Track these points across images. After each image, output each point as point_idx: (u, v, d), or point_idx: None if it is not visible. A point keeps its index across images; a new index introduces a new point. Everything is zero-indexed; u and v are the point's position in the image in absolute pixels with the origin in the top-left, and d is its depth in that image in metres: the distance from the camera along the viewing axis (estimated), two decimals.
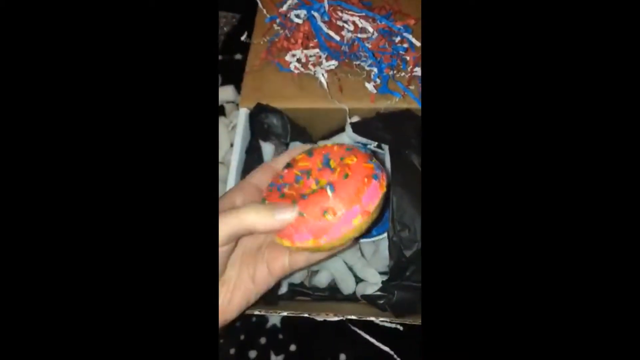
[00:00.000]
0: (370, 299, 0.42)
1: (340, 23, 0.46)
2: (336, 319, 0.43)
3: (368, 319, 0.43)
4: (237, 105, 0.49)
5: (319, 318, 0.43)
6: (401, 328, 0.46)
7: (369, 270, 0.45)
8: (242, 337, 0.48)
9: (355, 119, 0.46)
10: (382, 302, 0.40)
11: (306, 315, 0.42)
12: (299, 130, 0.48)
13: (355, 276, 0.45)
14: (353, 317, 0.42)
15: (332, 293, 0.45)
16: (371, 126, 0.44)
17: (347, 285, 0.44)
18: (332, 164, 0.32)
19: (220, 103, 0.55)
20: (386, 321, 0.45)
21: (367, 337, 0.46)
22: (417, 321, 0.42)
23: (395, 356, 0.45)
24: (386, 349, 0.45)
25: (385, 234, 0.41)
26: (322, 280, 0.45)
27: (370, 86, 0.45)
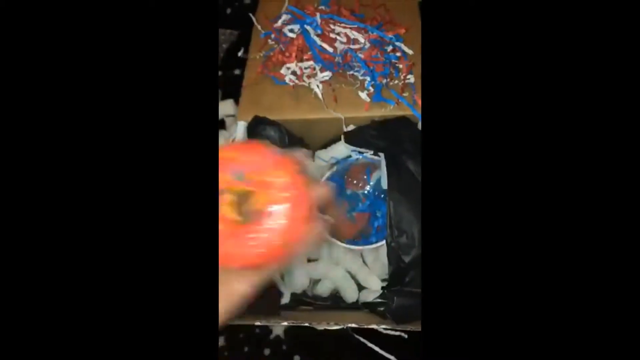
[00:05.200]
0: (371, 307, 0.42)
1: (332, 35, 0.47)
2: (337, 327, 0.43)
3: (370, 327, 0.42)
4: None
5: (320, 327, 0.43)
6: (405, 336, 0.46)
7: (372, 277, 0.45)
8: (246, 349, 0.48)
9: (351, 127, 0.47)
10: (382, 309, 0.40)
11: (307, 324, 0.42)
12: (296, 141, 0.49)
13: (358, 284, 0.45)
14: (354, 325, 0.42)
15: (335, 302, 0.45)
16: (366, 134, 0.45)
17: (350, 294, 0.44)
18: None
19: (220, 117, 0.56)
20: (388, 329, 0.45)
21: (371, 345, 0.46)
22: (418, 328, 0.42)
23: None
24: (391, 357, 0.45)
25: (384, 241, 0.41)
26: (324, 289, 0.45)
27: (364, 95, 0.45)
